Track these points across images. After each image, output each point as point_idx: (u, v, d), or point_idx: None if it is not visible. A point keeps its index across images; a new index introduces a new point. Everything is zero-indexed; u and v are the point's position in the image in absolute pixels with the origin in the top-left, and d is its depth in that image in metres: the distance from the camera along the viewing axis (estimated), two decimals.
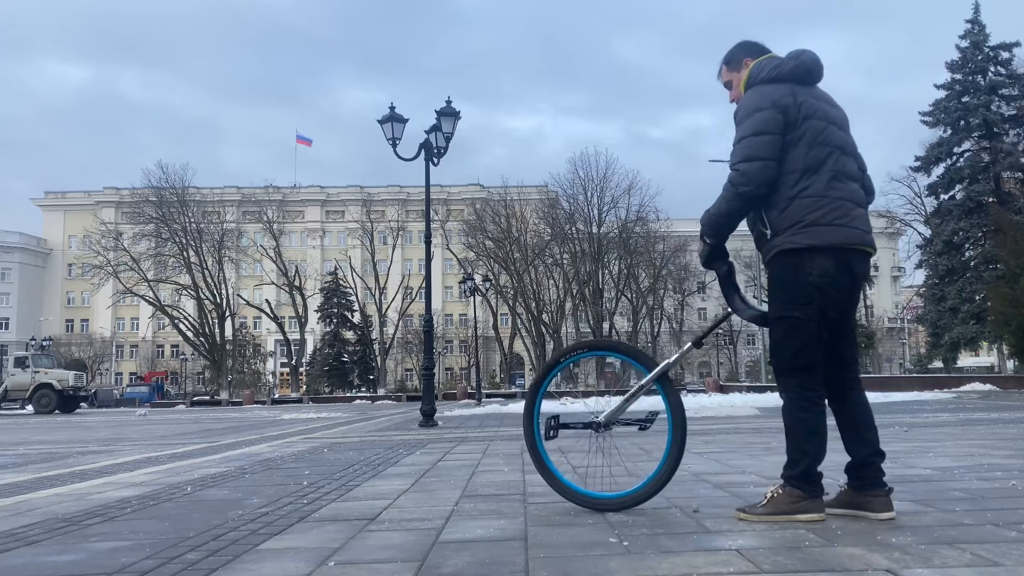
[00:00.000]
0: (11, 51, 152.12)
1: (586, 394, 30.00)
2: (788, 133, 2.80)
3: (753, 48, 3.10)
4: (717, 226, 2.92)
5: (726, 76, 3.16)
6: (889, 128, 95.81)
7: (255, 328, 72.87)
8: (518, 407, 17.95)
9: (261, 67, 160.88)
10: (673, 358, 3.25)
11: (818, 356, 2.82)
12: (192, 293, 53.59)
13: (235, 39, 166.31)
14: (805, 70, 2.90)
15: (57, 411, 32.65)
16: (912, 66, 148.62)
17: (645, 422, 3.21)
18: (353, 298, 61.57)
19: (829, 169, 2.79)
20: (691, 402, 16.85)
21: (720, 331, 70.69)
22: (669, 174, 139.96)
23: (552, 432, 3.27)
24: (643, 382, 3.14)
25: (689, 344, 3.29)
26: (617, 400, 3.33)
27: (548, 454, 3.35)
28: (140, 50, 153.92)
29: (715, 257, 3.00)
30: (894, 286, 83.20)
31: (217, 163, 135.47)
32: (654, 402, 3.10)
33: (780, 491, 2.78)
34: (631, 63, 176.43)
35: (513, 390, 49.35)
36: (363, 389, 56.40)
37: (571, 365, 3.60)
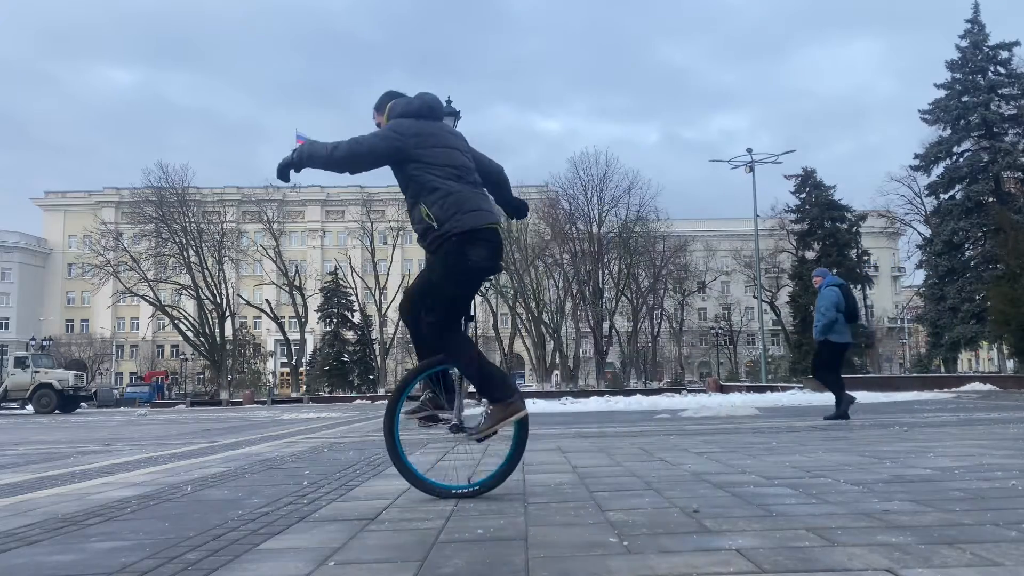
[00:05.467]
0: (61, 54, 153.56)
1: (587, 394, 30.02)
2: (420, 151, 3.58)
3: (394, 95, 3.88)
4: (315, 159, 3.57)
5: (376, 119, 3.87)
6: (923, 132, 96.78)
7: (255, 328, 72.91)
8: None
9: (309, 71, 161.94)
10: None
11: (464, 310, 3.64)
12: (192, 293, 53.58)
13: (285, 43, 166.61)
14: (427, 107, 3.74)
15: (57, 411, 32.67)
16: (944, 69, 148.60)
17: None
18: (353, 298, 61.58)
19: (458, 179, 3.59)
20: (691, 402, 16.84)
21: (719, 331, 70.75)
22: (699, 175, 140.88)
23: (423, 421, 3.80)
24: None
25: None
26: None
27: (404, 449, 3.78)
28: (189, 53, 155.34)
29: (289, 172, 3.65)
30: (894, 286, 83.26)
31: (252, 164, 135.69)
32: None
33: (490, 408, 3.50)
34: (676, 67, 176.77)
35: None
36: (363, 389, 56.42)
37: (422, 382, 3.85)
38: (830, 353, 9.68)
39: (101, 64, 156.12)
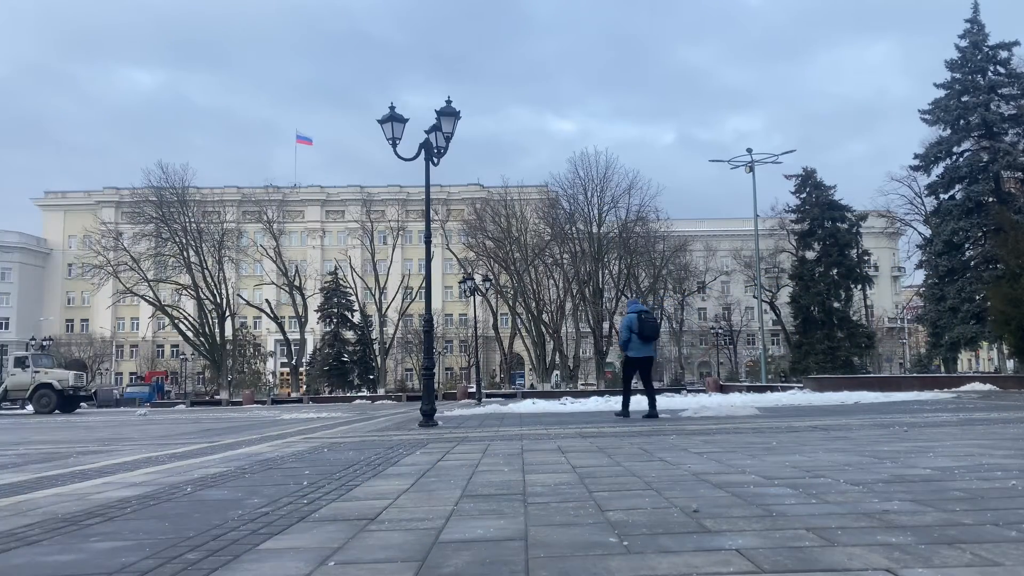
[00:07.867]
0: (82, 56, 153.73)
1: (585, 394, 30.02)
2: None
3: None
4: None
5: None
6: (924, 132, 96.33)
7: (255, 328, 72.86)
8: (519, 407, 17.93)
9: (326, 71, 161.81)
10: None
11: None
12: (192, 293, 53.56)
13: (303, 43, 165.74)
14: None
15: (57, 411, 32.66)
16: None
17: None
18: (353, 298, 61.57)
19: None
20: (691, 402, 16.84)
21: (719, 331, 70.75)
22: (711, 174, 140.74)
23: None
24: None
25: None
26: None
27: None
28: (207, 54, 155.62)
29: None
30: (894, 286, 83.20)
31: (266, 164, 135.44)
32: None
33: None
34: (693, 68, 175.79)
35: (513, 390, 49.36)
36: (363, 389, 56.40)
37: None
38: (627, 366, 12.19)
39: (122, 66, 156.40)
